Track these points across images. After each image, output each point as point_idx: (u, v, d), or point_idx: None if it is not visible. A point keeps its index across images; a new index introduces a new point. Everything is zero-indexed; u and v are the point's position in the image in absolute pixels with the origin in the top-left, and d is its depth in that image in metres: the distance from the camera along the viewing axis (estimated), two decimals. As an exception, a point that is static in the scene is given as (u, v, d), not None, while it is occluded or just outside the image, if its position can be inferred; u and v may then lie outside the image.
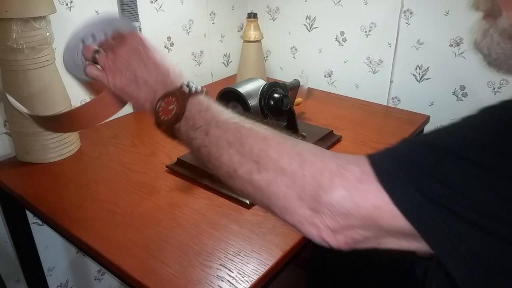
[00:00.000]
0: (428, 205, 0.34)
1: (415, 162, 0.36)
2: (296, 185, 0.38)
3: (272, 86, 0.81)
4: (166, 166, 0.82)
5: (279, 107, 0.80)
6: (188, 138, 0.48)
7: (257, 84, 0.82)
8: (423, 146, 0.37)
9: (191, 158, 0.82)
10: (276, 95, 0.80)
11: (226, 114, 0.47)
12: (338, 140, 0.92)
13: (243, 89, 0.79)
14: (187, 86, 0.49)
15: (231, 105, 0.81)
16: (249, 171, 0.41)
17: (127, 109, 1.13)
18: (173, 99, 0.49)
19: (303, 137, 0.87)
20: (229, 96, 0.81)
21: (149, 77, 0.51)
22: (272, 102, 0.80)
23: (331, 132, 0.92)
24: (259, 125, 0.45)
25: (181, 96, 0.48)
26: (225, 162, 0.44)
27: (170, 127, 0.48)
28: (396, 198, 0.35)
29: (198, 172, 0.78)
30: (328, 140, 0.91)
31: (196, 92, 0.49)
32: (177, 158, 0.82)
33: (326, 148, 0.87)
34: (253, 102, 0.79)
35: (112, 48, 0.53)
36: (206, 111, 0.47)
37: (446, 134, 0.37)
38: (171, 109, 0.48)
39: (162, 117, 0.49)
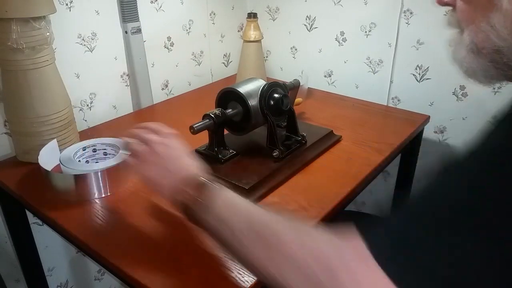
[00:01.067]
0: (425, 281, 0.33)
1: (408, 238, 0.36)
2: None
3: (272, 86, 0.81)
4: None
5: (279, 107, 0.80)
6: (207, 226, 0.50)
7: (257, 84, 0.82)
8: (418, 218, 0.37)
9: None
10: (276, 95, 0.80)
11: (246, 207, 0.49)
12: (338, 140, 0.92)
13: (243, 89, 0.79)
14: (206, 179, 0.54)
15: (231, 105, 0.81)
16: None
17: (126, 109, 1.13)
18: (199, 187, 0.52)
19: (303, 137, 0.86)
20: (229, 96, 0.81)
21: (180, 171, 0.56)
22: (272, 102, 0.80)
23: (331, 132, 0.92)
24: (276, 222, 0.46)
25: (204, 188, 0.52)
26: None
27: (193, 216, 0.52)
28: (393, 276, 0.34)
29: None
30: (328, 140, 0.91)
31: (221, 187, 0.53)
32: None
33: (326, 149, 0.88)
34: (253, 102, 0.79)
35: (148, 141, 0.59)
36: (233, 205, 0.50)
37: (442, 195, 0.37)
38: (196, 195, 0.52)
39: (186, 202, 0.52)
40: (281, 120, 0.85)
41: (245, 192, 0.71)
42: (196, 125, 0.75)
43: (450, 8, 0.51)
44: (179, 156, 0.58)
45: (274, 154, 0.80)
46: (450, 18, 0.51)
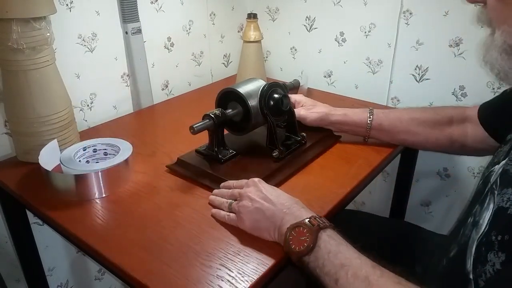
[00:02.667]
0: None
1: None
2: None
3: (272, 86, 0.81)
4: (166, 166, 0.82)
5: (279, 107, 0.80)
6: (316, 275, 0.51)
7: (257, 85, 0.82)
8: None
9: (191, 158, 0.82)
10: (276, 96, 0.80)
11: (355, 262, 0.49)
12: (338, 140, 0.92)
13: (243, 89, 0.79)
14: (316, 218, 0.55)
15: (231, 105, 0.81)
16: None
17: (127, 109, 1.14)
18: (305, 231, 0.53)
19: (303, 137, 0.87)
20: (229, 96, 0.81)
21: (277, 208, 0.59)
22: (271, 103, 0.80)
23: (331, 132, 0.92)
24: (388, 280, 0.47)
25: (312, 228, 0.53)
26: None
27: (300, 258, 0.53)
28: None
29: (198, 172, 0.78)
30: (327, 140, 0.91)
31: (325, 225, 0.54)
32: (177, 158, 0.82)
33: (326, 148, 0.88)
34: (253, 102, 0.79)
35: (238, 195, 0.65)
36: (335, 254, 0.50)
37: None
38: (302, 240, 0.53)
39: (293, 247, 0.53)
40: (281, 120, 0.85)
41: None
42: (196, 125, 0.75)
43: (480, 4, 0.49)
44: (275, 202, 0.61)
45: (274, 154, 0.80)
46: (480, 15, 0.50)
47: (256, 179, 0.67)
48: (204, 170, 0.78)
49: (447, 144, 0.81)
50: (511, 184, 0.46)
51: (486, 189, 0.52)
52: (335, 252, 0.50)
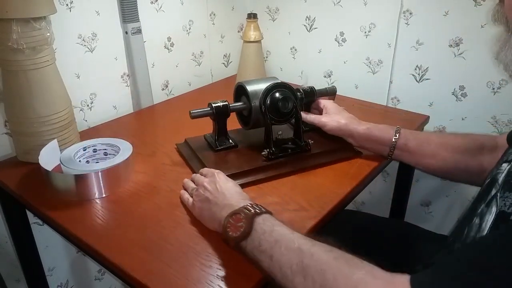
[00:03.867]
0: None
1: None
2: None
3: (278, 86, 0.80)
4: (176, 144, 0.89)
5: (277, 107, 0.79)
6: (253, 258, 0.52)
7: (269, 83, 0.81)
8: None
9: (195, 141, 0.87)
10: (277, 95, 0.79)
11: (289, 236, 0.51)
12: (355, 155, 0.86)
13: (252, 86, 0.81)
14: (253, 206, 0.57)
15: (243, 99, 0.84)
16: None
17: (127, 109, 1.14)
18: (241, 217, 0.55)
19: (307, 144, 0.83)
20: (241, 90, 0.84)
21: (221, 198, 0.62)
22: (268, 102, 0.79)
23: (350, 145, 0.86)
24: (320, 248, 0.48)
25: (248, 214, 0.55)
26: None
27: (237, 244, 0.54)
28: None
29: (192, 155, 0.83)
30: (341, 152, 0.86)
31: (261, 211, 0.55)
32: (185, 139, 0.88)
33: (333, 161, 0.84)
34: (257, 102, 0.80)
35: (198, 181, 0.69)
36: (270, 233, 0.52)
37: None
38: (239, 226, 0.54)
39: (230, 233, 0.55)
40: (283, 122, 0.82)
41: None
42: (193, 111, 0.81)
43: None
44: (223, 193, 0.63)
45: (263, 153, 0.80)
46: (496, 14, 0.49)
47: (215, 171, 0.69)
48: (196, 154, 0.82)
49: (476, 173, 0.75)
50: None
51: (493, 189, 0.52)
52: (270, 231, 0.52)
